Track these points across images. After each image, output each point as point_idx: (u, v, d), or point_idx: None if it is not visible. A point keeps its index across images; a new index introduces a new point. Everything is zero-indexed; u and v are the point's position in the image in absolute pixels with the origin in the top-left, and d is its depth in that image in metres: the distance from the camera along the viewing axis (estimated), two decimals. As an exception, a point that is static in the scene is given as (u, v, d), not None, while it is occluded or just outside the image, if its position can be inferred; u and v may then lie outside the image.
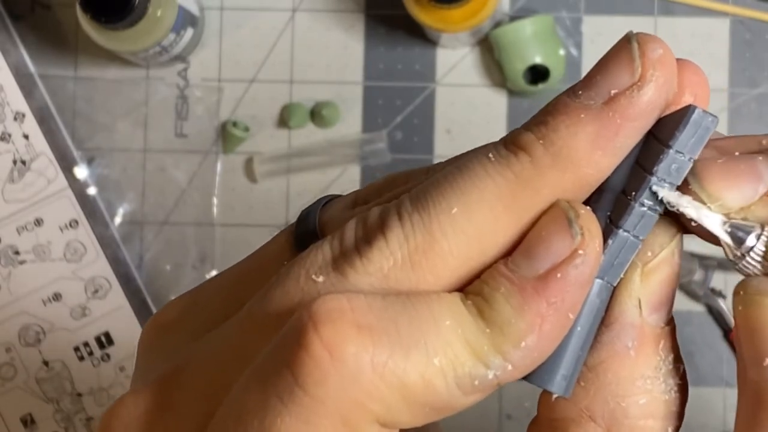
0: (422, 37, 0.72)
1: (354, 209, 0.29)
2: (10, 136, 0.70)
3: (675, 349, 0.27)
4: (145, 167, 0.73)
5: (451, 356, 0.24)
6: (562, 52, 0.70)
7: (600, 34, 0.71)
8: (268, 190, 0.73)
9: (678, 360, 0.27)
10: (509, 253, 0.25)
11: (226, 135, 0.72)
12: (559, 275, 0.24)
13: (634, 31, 0.26)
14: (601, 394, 0.26)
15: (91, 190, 0.72)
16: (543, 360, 0.25)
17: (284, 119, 0.72)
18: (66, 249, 0.70)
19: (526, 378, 0.25)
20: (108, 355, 0.70)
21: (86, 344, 0.70)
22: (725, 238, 0.26)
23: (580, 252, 0.24)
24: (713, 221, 0.26)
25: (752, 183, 0.26)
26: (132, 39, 0.66)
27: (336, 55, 0.73)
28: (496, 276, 0.25)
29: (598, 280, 0.26)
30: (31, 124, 0.70)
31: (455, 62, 0.72)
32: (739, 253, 0.26)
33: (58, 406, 0.70)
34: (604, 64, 0.26)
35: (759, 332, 0.25)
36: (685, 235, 0.27)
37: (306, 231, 0.29)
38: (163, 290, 0.72)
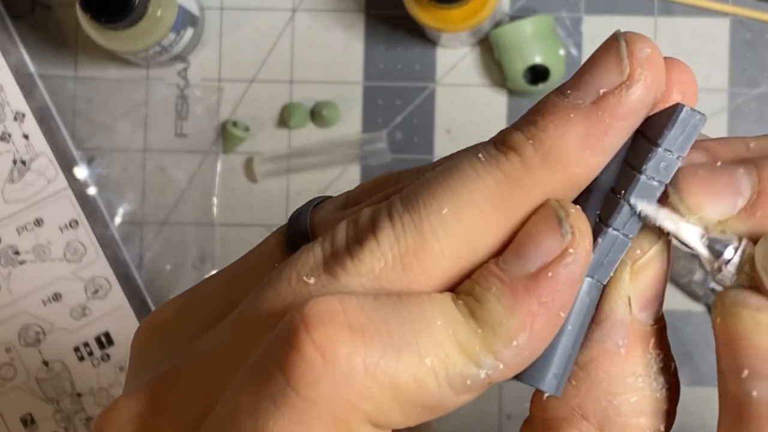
0: (422, 37, 0.72)
1: (345, 210, 0.29)
2: (10, 136, 0.70)
3: (666, 347, 0.27)
4: (145, 167, 0.73)
5: (442, 356, 0.24)
6: (562, 52, 0.70)
7: (600, 34, 0.71)
8: (268, 190, 0.73)
9: (669, 358, 0.27)
10: (500, 252, 0.25)
11: (226, 135, 0.72)
12: (549, 274, 0.24)
13: (622, 30, 0.26)
14: (593, 393, 0.26)
15: (91, 190, 0.72)
16: (534, 359, 0.25)
17: (284, 119, 0.72)
18: (66, 249, 0.70)
19: (517, 377, 0.25)
20: (108, 355, 0.70)
21: (86, 344, 0.70)
22: (703, 251, 0.26)
23: (571, 251, 0.24)
24: (691, 234, 0.26)
25: (731, 197, 0.26)
26: (132, 39, 0.66)
27: (336, 55, 0.73)
28: (487, 276, 0.25)
29: (588, 279, 0.26)
30: (31, 124, 0.70)
31: (455, 62, 0.72)
32: (716, 266, 0.26)
33: (58, 406, 0.70)
34: (592, 64, 0.26)
35: (737, 344, 0.25)
36: None
37: (297, 232, 0.29)
38: (163, 290, 0.72)
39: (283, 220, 0.74)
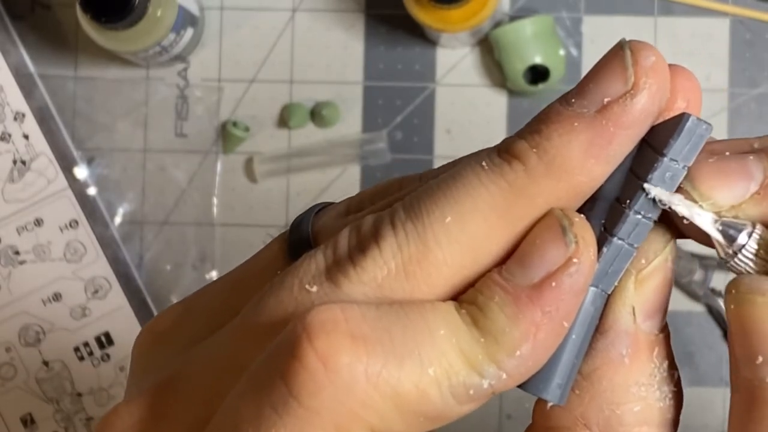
0: (422, 37, 0.72)
1: (347, 217, 0.29)
2: (10, 136, 0.70)
3: (669, 356, 0.27)
4: (145, 167, 0.73)
5: (445, 366, 0.24)
6: (562, 52, 0.70)
7: (600, 34, 0.71)
8: (268, 190, 0.73)
9: (672, 367, 0.27)
10: (503, 261, 0.25)
11: (226, 135, 0.72)
12: (553, 284, 0.24)
13: (627, 38, 0.26)
14: (596, 402, 0.26)
15: (91, 190, 0.72)
16: (538, 368, 0.25)
17: (284, 119, 0.72)
18: (66, 249, 0.70)
19: (521, 386, 0.25)
20: (108, 355, 0.70)
21: (86, 344, 0.70)
22: (717, 236, 0.26)
23: (575, 260, 0.24)
24: (705, 219, 0.26)
25: (743, 181, 0.26)
26: (132, 39, 0.66)
27: (336, 55, 0.73)
28: (490, 285, 0.25)
29: (592, 288, 0.26)
30: (31, 124, 0.70)
31: (455, 62, 0.72)
32: (730, 251, 0.26)
33: (58, 406, 0.70)
34: (596, 72, 0.25)
35: (751, 330, 0.25)
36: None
37: (299, 239, 0.29)
38: (163, 290, 0.72)
39: (283, 220, 0.74)
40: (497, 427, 0.70)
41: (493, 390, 0.24)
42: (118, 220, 0.72)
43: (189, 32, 0.70)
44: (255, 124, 0.73)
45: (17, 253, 0.70)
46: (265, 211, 0.73)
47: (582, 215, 0.25)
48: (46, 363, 0.70)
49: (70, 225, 0.70)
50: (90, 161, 0.73)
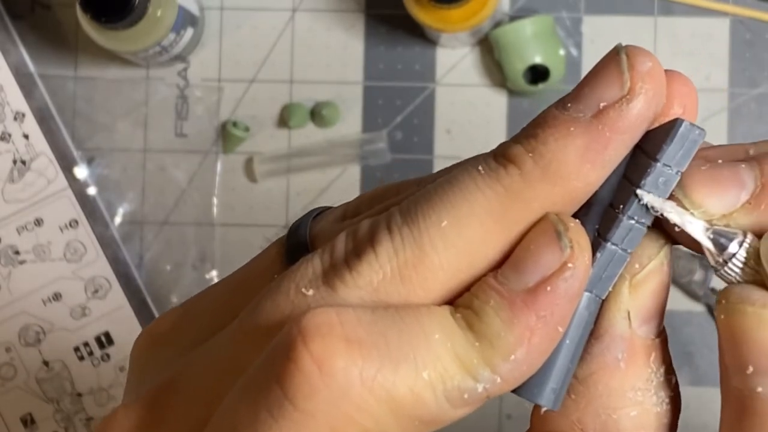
0: (422, 37, 0.72)
1: (344, 222, 0.29)
2: (10, 136, 0.70)
3: (666, 360, 0.27)
4: (145, 167, 0.73)
5: (440, 369, 0.24)
6: (562, 52, 0.70)
7: (600, 34, 0.71)
8: (268, 190, 0.73)
9: (670, 372, 0.27)
10: (499, 265, 0.25)
11: (226, 135, 0.72)
12: (548, 288, 0.24)
13: (624, 43, 0.26)
14: (592, 407, 0.26)
15: (91, 190, 0.72)
16: (532, 373, 0.25)
17: (284, 119, 0.72)
18: (66, 249, 0.70)
19: (515, 391, 0.25)
20: (108, 355, 0.70)
21: (86, 344, 0.70)
22: (708, 245, 0.26)
23: (569, 265, 0.24)
24: (696, 227, 0.26)
25: (735, 190, 0.26)
26: (132, 39, 0.66)
27: (336, 55, 0.73)
28: (485, 289, 0.25)
29: (586, 293, 0.26)
30: (31, 124, 0.70)
31: (455, 62, 0.72)
32: (721, 260, 0.26)
33: (58, 406, 0.70)
34: (592, 77, 0.26)
35: (742, 340, 0.25)
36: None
37: (296, 243, 0.29)
38: (163, 290, 0.72)
39: (283, 220, 0.74)
40: (497, 427, 0.70)
41: (487, 394, 0.24)
42: (118, 220, 0.72)
43: (189, 32, 0.70)
44: (255, 124, 0.73)
45: (17, 253, 0.70)
46: (265, 211, 0.73)
47: (577, 220, 0.25)
48: (46, 363, 0.70)
49: (70, 225, 0.70)
50: (90, 161, 0.73)
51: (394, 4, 0.69)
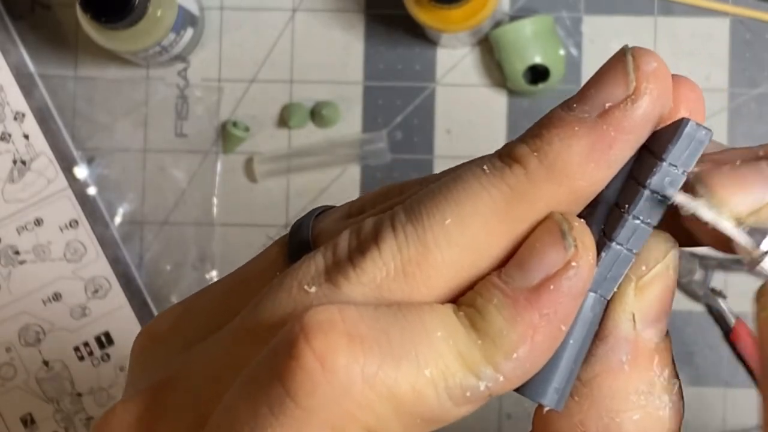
0: (422, 37, 0.72)
1: (347, 220, 0.29)
2: (10, 136, 0.70)
3: (671, 365, 0.27)
4: (145, 167, 0.73)
5: (442, 367, 0.24)
6: (562, 52, 0.70)
7: (600, 34, 0.71)
8: (268, 190, 0.73)
9: (673, 376, 0.27)
10: (503, 264, 0.25)
11: (226, 135, 0.72)
12: (552, 287, 0.24)
13: (630, 45, 0.26)
14: (595, 409, 0.26)
15: (91, 190, 0.72)
16: (535, 372, 0.25)
17: (284, 119, 0.72)
18: (66, 249, 0.70)
19: (518, 390, 0.25)
20: (108, 355, 0.70)
21: (86, 344, 0.70)
22: (744, 241, 0.25)
23: (573, 264, 0.24)
24: (729, 225, 0.25)
25: (761, 186, 0.26)
26: (132, 39, 0.66)
27: (336, 55, 0.73)
28: (489, 287, 0.25)
29: (591, 294, 0.26)
30: (31, 124, 0.70)
31: (455, 62, 0.72)
32: (755, 256, 0.26)
33: (58, 406, 0.70)
34: (598, 78, 0.26)
35: None
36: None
37: (299, 242, 0.29)
38: (163, 290, 0.72)
39: (283, 220, 0.74)
40: (497, 427, 0.70)
41: (490, 392, 0.24)
42: (118, 220, 0.72)
43: (189, 32, 0.70)
44: (255, 124, 0.73)
45: (17, 253, 0.70)
46: (265, 211, 0.73)
47: (582, 220, 0.25)
48: (46, 363, 0.70)
49: (70, 225, 0.70)
50: (90, 161, 0.73)
51: (394, 4, 0.69)
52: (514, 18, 0.71)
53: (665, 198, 0.26)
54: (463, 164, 0.26)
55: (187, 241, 0.72)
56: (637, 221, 0.26)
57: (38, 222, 0.70)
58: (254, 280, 0.29)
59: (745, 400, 0.70)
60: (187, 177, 0.73)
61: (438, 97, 0.72)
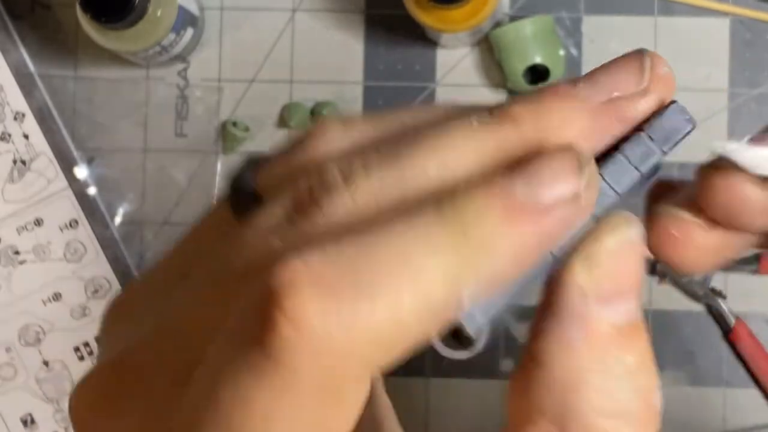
0: (422, 37, 0.72)
1: (304, 166, 0.27)
2: (10, 136, 0.70)
3: (640, 354, 0.25)
4: (145, 167, 0.73)
5: (421, 290, 0.23)
6: (562, 52, 0.70)
7: (600, 34, 0.71)
8: (268, 190, 0.73)
9: (644, 367, 0.25)
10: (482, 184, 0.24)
11: (226, 135, 0.72)
12: (554, 209, 0.24)
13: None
14: (550, 388, 0.24)
15: (91, 190, 0.72)
16: (508, 288, 0.24)
17: (284, 119, 0.72)
18: (66, 249, 0.70)
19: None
20: (108, 355, 0.70)
21: (86, 344, 0.70)
22: None
23: (581, 195, 0.24)
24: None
25: None
26: (132, 39, 0.66)
27: (336, 55, 0.73)
28: (485, 193, 0.24)
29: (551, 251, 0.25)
30: (31, 124, 0.70)
31: (455, 62, 0.72)
32: None
33: (58, 406, 0.70)
34: (611, 67, 0.26)
35: None
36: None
37: (245, 194, 0.27)
38: (163, 290, 0.72)
39: (283, 220, 0.74)
40: (497, 426, 0.70)
41: (471, 299, 0.23)
42: (118, 220, 0.72)
43: (189, 32, 0.70)
44: (255, 124, 0.73)
45: (17, 253, 0.70)
46: (265, 211, 0.73)
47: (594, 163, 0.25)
48: (46, 363, 0.70)
49: (70, 225, 0.70)
50: (90, 161, 0.73)
51: (394, 4, 0.69)
52: (514, 18, 0.71)
53: (637, 170, 0.26)
54: (444, 119, 0.26)
55: (187, 241, 0.72)
56: (603, 183, 0.26)
57: (38, 222, 0.70)
58: (207, 240, 0.27)
59: (745, 400, 0.70)
60: (187, 177, 0.73)
61: (438, 98, 0.72)
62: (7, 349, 0.70)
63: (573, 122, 0.25)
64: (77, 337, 0.70)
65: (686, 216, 0.30)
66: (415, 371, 0.70)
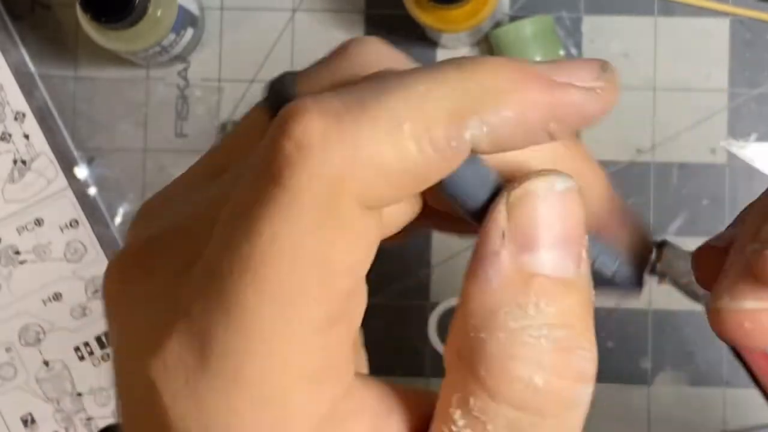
0: (422, 37, 0.72)
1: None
2: (10, 135, 0.70)
3: (566, 307, 0.24)
4: (145, 167, 0.73)
5: (423, 119, 0.23)
6: (562, 52, 0.70)
7: (600, 34, 0.71)
8: (268, 190, 0.73)
9: (570, 320, 0.24)
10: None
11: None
12: (571, 90, 0.24)
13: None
14: (463, 323, 0.24)
15: (91, 190, 0.72)
16: (507, 148, 0.24)
17: (284, 119, 0.72)
18: (66, 249, 0.70)
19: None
20: (108, 355, 0.70)
21: (86, 344, 0.70)
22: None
23: (599, 91, 0.24)
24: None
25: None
26: (132, 39, 0.66)
27: (336, 55, 0.73)
28: (499, 58, 0.24)
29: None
30: (31, 124, 0.70)
31: (455, 62, 0.72)
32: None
33: (58, 406, 0.70)
34: (575, 60, 0.26)
35: None
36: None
37: (283, 98, 0.27)
38: (163, 290, 0.72)
39: (283, 220, 0.74)
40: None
41: (473, 144, 0.24)
42: (118, 220, 0.72)
43: (189, 32, 0.70)
44: (255, 124, 0.73)
45: (17, 252, 0.70)
46: (265, 211, 0.73)
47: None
48: (46, 363, 0.70)
49: (71, 225, 0.70)
50: (90, 161, 0.73)
51: (394, 4, 0.69)
52: (514, 18, 0.71)
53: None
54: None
55: (187, 241, 0.72)
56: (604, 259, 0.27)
57: (38, 222, 0.70)
58: (239, 144, 0.28)
59: (745, 400, 0.70)
60: (187, 177, 0.73)
61: (438, 97, 0.72)
62: (7, 349, 0.70)
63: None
64: (77, 337, 0.70)
65: (750, 305, 0.27)
66: (415, 371, 0.70)
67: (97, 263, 0.70)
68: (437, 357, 0.71)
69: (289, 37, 0.73)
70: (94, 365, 0.70)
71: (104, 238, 0.70)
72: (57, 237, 0.70)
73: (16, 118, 0.70)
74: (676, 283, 0.70)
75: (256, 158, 0.24)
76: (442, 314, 0.70)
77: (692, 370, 0.70)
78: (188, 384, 0.23)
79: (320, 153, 0.22)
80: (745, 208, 0.29)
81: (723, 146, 0.71)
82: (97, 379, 0.70)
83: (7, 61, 0.70)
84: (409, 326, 0.71)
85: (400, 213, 0.27)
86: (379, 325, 0.70)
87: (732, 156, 0.71)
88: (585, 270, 0.25)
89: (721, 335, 0.28)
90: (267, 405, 0.23)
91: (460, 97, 0.23)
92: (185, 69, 0.73)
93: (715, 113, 0.71)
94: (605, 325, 0.70)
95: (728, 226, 0.29)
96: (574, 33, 0.72)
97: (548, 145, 0.26)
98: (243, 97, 0.73)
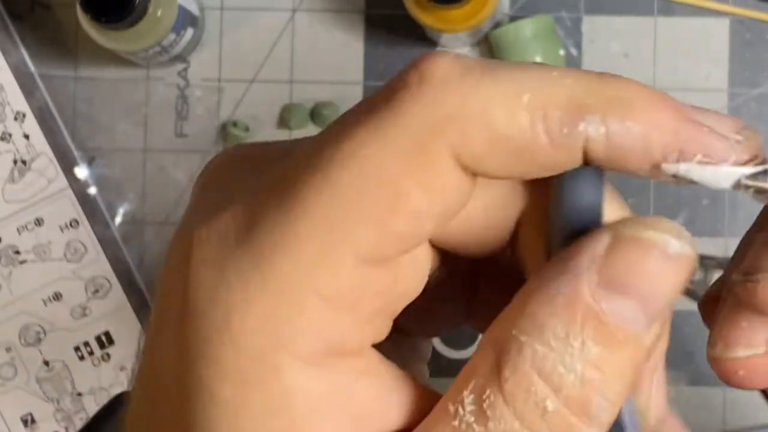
0: (422, 37, 0.72)
1: None
2: (10, 136, 0.70)
3: (614, 359, 0.23)
4: (145, 167, 0.73)
5: (544, 96, 0.23)
6: (562, 52, 0.70)
7: (600, 34, 0.71)
8: (268, 190, 0.73)
9: (612, 372, 0.23)
10: None
11: (226, 135, 0.72)
12: (702, 129, 0.25)
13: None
14: (508, 320, 0.23)
15: (92, 190, 0.72)
16: (626, 159, 0.24)
17: (284, 119, 0.72)
18: (66, 249, 0.70)
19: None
20: (108, 355, 0.70)
21: (86, 344, 0.70)
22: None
23: (732, 140, 0.26)
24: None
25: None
26: (132, 39, 0.66)
27: (336, 55, 0.73)
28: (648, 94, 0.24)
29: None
30: (31, 124, 0.70)
31: (455, 62, 0.72)
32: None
33: (58, 406, 0.70)
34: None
35: None
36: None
37: None
38: (163, 290, 0.72)
39: (283, 220, 0.74)
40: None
41: (586, 142, 0.23)
42: (118, 220, 0.73)
43: (189, 32, 0.70)
44: (255, 124, 0.73)
45: (17, 252, 0.70)
46: (265, 211, 0.73)
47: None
48: (46, 363, 0.70)
49: (71, 225, 0.70)
50: (90, 161, 0.73)
51: (394, 4, 0.69)
52: (514, 18, 0.71)
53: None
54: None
55: (188, 241, 0.72)
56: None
57: (38, 222, 0.70)
58: None
59: (745, 400, 0.70)
60: (187, 177, 0.73)
61: (438, 97, 0.72)
62: (8, 349, 0.70)
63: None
64: (77, 337, 0.70)
65: (743, 352, 0.28)
66: (415, 371, 0.70)
67: (97, 263, 0.70)
68: (437, 357, 0.71)
69: (289, 37, 0.73)
70: (94, 365, 0.70)
71: (104, 238, 0.70)
72: (57, 237, 0.70)
73: (16, 118, 0.70)
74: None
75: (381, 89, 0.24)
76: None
77: (692, 370, 0.70)
78: (220, 252, 0.23)
79: (437, 92, 0.23)
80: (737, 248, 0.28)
81: (723, 146, 0.71)
82: (97, 379, 0.70)
83: (7, 61, 0.70)
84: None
85: (424, 259, 0.25)
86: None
87: (732, 156, 0.71)
88: (653, 331, 0.25)
89: (721, 380, 0.28)
90: (278, 294, 0.22)
91: (589, 93, 0.23)
92: (185, 69, 0.73)
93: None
94: (605, 325, 0.70)
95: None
96: (574, 33, 0.72)
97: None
98: (243, 97, 0.73)
